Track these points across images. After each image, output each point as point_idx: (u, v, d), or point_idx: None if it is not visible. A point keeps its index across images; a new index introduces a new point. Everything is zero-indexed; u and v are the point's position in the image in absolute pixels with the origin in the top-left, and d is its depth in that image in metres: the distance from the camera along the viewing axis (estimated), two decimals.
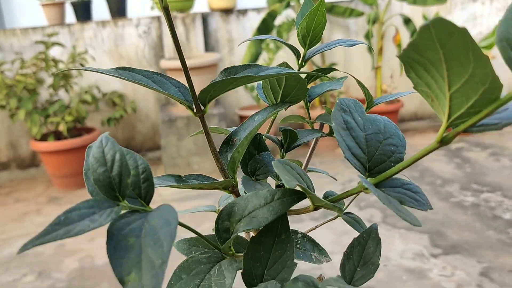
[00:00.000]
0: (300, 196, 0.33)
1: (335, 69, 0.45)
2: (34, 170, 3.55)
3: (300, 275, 0.33)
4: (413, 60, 0.25)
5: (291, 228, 0.42)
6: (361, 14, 3.37)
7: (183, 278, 0.31)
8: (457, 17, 3.60)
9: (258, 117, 0.41)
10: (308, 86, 0.49)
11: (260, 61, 3.27)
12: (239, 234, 0.41)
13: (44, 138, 3.06)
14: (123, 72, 0.36)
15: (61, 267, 2.12)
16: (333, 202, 0.37)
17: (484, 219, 2.25)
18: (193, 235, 0.38)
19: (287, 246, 0.33)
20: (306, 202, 0.39)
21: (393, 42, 3.50)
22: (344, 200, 0.50)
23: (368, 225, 0.43)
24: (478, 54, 0.22)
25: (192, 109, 0.37)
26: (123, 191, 0.28)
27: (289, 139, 0.44)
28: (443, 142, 0.28)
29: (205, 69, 2.94)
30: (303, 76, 0.43)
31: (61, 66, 3.11)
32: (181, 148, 2.99)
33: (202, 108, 0.37)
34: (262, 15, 3.45)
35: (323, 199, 0.34)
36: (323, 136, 0.47)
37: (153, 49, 3.43)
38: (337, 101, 0.38)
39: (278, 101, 0.44)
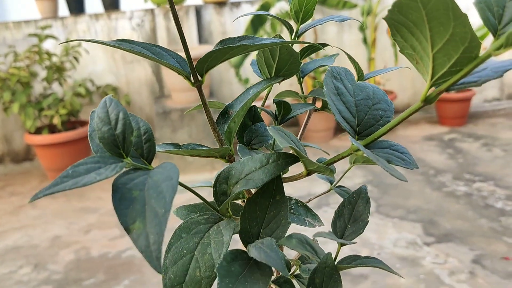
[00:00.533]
0: (294, 159, 0.35)
1: (328, 45, 0.47)
2: (29, 164, 3.55)
3: (293, 233, 0.35)
4: (398, 22, 0.26)
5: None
6: (354, 6, 3.39)
7: (183, 237, 0.33)
8: None
9: (253, 90, 0.42)
10: (302, 62, 0.50)
11: (253, 54, 3.28)
12: (235, 201, 0.43)
13: (38, 131, 3.06)
14: (123, 43, 0.37)
15: (57, 259, 2.13)
16: (327, 165, 0.39)
17: (476, 208, 2.28)
18: (192, 202, 0.40)
19: (281, 207, 0.34)
20: (299, 169, 0.41)
21: (386, 34, 3.52)
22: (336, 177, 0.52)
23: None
24: (457, 13, 0.24)
25: (189, 79, 0.39)
26: (127, 149, 0.30)
27: (283, 111, 0.45)
28: (427, 101, 0.30)
29: None
30: (296, 50, 0.44)
31: (54, 59, 3.10)
32: (175, 140, 3.00)
33: (200, 78, 0.39)
34: (256, 7, 3.46)
35: (315, 162, 0.36)
36: (316, 110, 0.48)
37: (147, 41, 3.42)
38: (328, 69, 0.40)
39: (272, 75, 0.45)
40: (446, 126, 3.69)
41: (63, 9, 3.53)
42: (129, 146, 0.30)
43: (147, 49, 0.39)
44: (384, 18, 0.27)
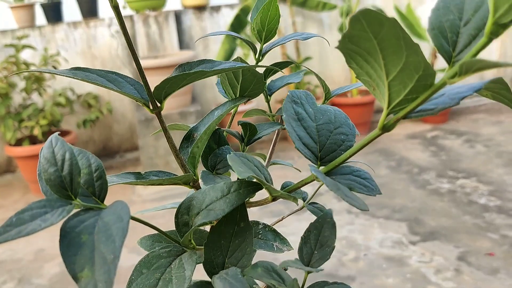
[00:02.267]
0: (256, 187, 0.34)
1: (292, 63, 0.46)
2: (10, 176, 3.49)
3: (259, 261, 0.34)
4: (351, 51, 0.26)
5: (256, 219, 0.43)
6: (334, 7, 3.40)
7: (144, 273, 0.32)
8: (429, 7, 3.64)
9: (217, 112, 0.41)
10: (268, 80, 0.49)
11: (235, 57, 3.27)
12: (200, 228, 0.42)
13: (19, 143, 3.01)
14: (77, 72, 0.36)
15: (42, 272, 2.10)
16: (290, 192, 0.38)
17: (460, 204, 2.29)
18: (157, 231, 0.39)
19: (246, 234, 0.34)
20: (266, 193, 0.40)
21: None
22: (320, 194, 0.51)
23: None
24: (409, 42, 0.23)
25: (148, 107, 0.37)
26: (75, 190, 0.29)
27: (249, 133, 0.44)
28: (385, 129, 0.29)
29: None
30: (261, 70, 0.43)
31: (33, 69, 3.06)
32: (159, 147, 2.98)
33: (158, 105, 0.38)
34: (236, 11, 3.45)
35: (278, 190, 0.35)
36: (283, 129, 0.47)
37: (127, 49, 3.40)
38: (288, 93, 0.39)
39: (237, 96, 0.44)
40: (429, 123, 3.72)
41: (40, 18, 3.49)
42: (77, 188, 0.28)
43: (103, 76, 0.37)
44: (336, 47, 0.26)
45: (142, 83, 0.37)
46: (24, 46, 2.95)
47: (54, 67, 3.04)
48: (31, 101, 3.16)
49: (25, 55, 3.21)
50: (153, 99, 0.37)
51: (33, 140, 3.05)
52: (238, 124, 0.45)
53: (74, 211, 0.29)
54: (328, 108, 0.37)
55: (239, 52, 3.41)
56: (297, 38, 0.44)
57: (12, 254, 2.29)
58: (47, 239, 2.41)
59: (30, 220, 0.26)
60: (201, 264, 0.35)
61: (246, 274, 0.33)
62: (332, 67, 3.82)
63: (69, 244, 0.26)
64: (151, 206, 2.40)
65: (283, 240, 0.40)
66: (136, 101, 0.37)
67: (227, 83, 0.43)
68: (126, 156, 3.58)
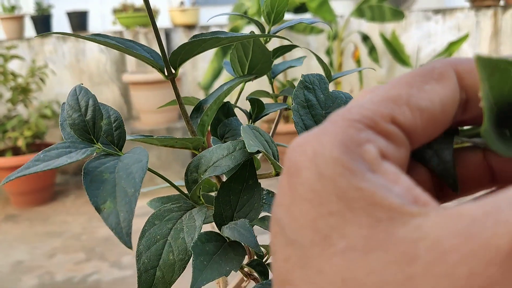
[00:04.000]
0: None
1: (297, 46, 0.48)
2: None
3: (267, 214, 0.35)
4: None
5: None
6: (321, 31, 3.48)
7: (156, 224, 0.33)
8: (413, 35, 3.75)
9: (226, 86, 0.43)
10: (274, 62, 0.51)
11: (223, 76, 3.31)
12: (208, 194, 0.43)
13: (1, 153, 2.97)
14: (98, 37, 0.38)
15: (20, 285, 2.05)
16: None
17: None
18: (165, 194, 0.40)
19: (254, 191, 0.35)
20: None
21: (352, 58, 3.62)
22: None
23: None
24: None
25: (163, 72, 0.39)
26: (97, 134, 0.30)
27: (256, 109, 0.46)
28: None
29: (168, 83, 2.95)
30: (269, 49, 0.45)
31: (20, 80, 3.05)
32: None
33: (173, 71, 0.39)
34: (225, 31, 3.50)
35: (282, 167, 0.36)
36: (288, 109, 0.49)
37: (115, 64, 3.41)
38: (301, 78, 0.40)
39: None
40: None
41: (29, 31, 3.49)
42: (99, 132, 0.30)
43: (121, 43, 0.39)
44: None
45: (159, 51, 0.38)
46: (12, 57, 2.94)
47: (41, 79, 3.03)
48: (16, 112, 3.13)
49: (13, 66, 3.20)
50: (168, 65, 0.38)
51: (16, 152, 3.01)
52: (246, 99, 0.46)
53: (95, 155, 0.30)
54: (340, 95, 0.38)
55: (226, 73, 3.45)
56: (304, 21, 0.46)
57: None
58: (26, 251, 2.36)
59: (56, 157, 0.27)
60: (208, 224, 0.36)
61: (255, 225, 0.34)
62: None
63: (92, 180, 0.27)
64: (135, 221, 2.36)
65: None
66: (152, 66, 0.38)
67: (237, 61, 0.45)
68: None
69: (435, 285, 0.12)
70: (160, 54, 0.39)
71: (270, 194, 0.40)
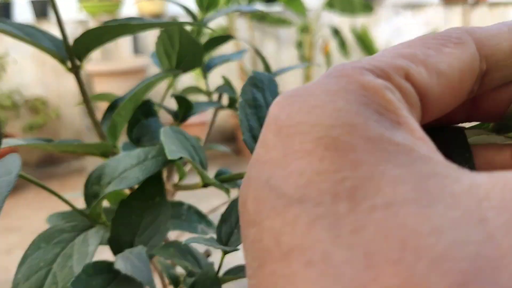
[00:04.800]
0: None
1: (232, 37, 0.43)
2: None
3: (174, 240, 0.30)
4: None
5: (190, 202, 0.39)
6: (289, 23, 3.43)
7: (42, 247, 0.27)
8: (383, 29, 3.75)
9: (146, 81, 0.37)
10: (206, 59, 0.46)
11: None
12: (115, 208, 0.38)
13: None
14: None
15: None
16: (224, 182, 0.34)
17: None
18: (70, 209, 0.34)
19: (161, 210, 0.30)
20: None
21: (321, 52, 3.59)
22: None
23: None
24: None
25: (65, 64, 0.33)
26: None
27: (184, 108, 0.41)
28: None
29: (133, 73, 2.87)
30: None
31: None
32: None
33: (78, 63, 0.33)
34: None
35: (211, 178, 0.31)
36: (222, 108, 0.44)
37: None
38: (251, 74, 0.35)
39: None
40: None
41: None
42: None
43: (20, 29, 0.33)
44: None
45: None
46: None
47: (2, 68, 2.90)
48: None
49: None
50: (72, 55, 0.33)
51: None
52: (171, 97, 0.41)
53: None
54: None
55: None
56: (242, 10, 0.41)
57: None
58: None
59: None
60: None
61: (156, 254, 0.29)
62: (286, 82, 3.84)
63: None
64: None
65: (208, 223, 0.36)
66: (53, 56, 0.33)
67: (163, 51, 0.40)
68: (73, 165, 3.43)
69: None
70: (63, 41, 0.33)
71: (191, 209, 0.35)
